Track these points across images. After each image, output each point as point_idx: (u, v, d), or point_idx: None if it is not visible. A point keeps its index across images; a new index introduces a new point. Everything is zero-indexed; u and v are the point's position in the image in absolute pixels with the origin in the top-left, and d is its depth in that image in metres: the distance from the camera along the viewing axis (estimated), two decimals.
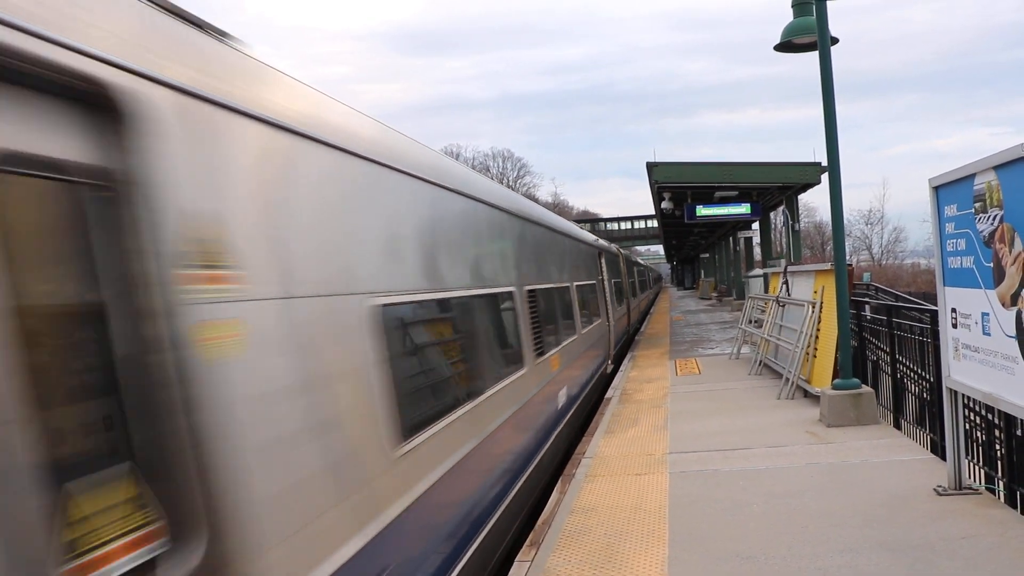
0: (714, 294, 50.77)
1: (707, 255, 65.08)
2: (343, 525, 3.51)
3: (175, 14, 3.07)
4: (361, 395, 3.93)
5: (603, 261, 18.34)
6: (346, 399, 3.76)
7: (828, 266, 12.36)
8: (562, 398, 10.46)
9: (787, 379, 12.82)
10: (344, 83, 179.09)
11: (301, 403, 3.33)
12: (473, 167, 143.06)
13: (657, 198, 29.30)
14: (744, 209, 26.86)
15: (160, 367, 2.57)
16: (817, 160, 23.28)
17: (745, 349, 18.29)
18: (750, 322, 18.43)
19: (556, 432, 9.72)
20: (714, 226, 40.14)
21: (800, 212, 26.66)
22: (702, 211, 27.24)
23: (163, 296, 2.58)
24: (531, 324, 8.87)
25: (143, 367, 2.54)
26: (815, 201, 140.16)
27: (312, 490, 3.29)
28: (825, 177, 16.83)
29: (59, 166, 2.35)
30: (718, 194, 26.53)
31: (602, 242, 20.55)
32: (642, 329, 29.38)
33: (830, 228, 11.89)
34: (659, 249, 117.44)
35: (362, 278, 4.12)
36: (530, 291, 9.16)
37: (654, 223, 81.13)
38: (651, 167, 25.43)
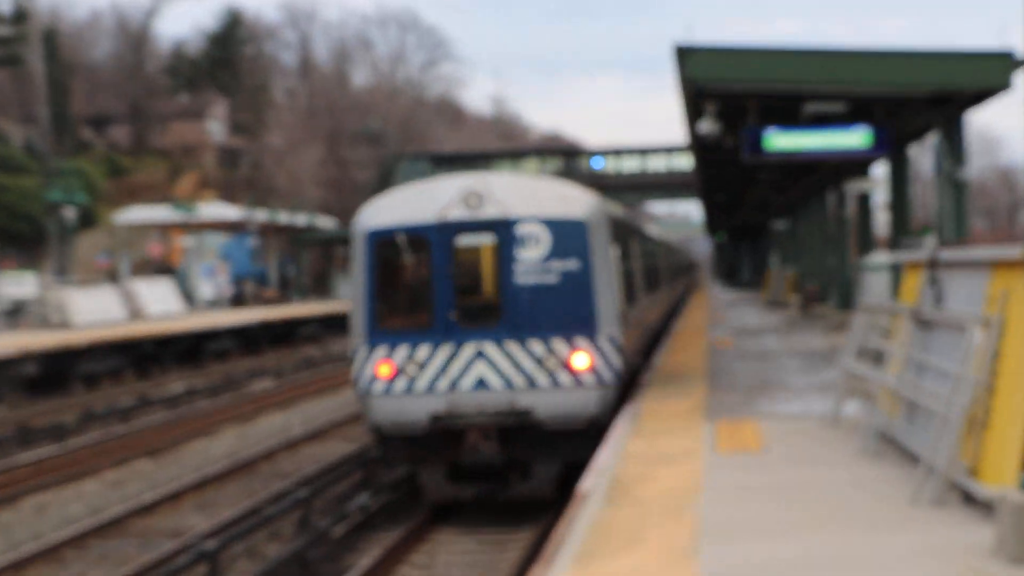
0: (795, 297, 34.59)
1: (783, 225, 45.04)
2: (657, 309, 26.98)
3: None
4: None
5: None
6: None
7: (1018, 253, 8.20)
8: (670, 287, 36.10)
9: (931, 467, 9.09)
10: None
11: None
12: (343, 37, 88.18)
13: (692, 114, 18.85)
14: (858, 139, 17.18)
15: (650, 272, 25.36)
16: (1006, 49, 14.78)
17: (852, 406, 13.19)
18: (863, 354, 13.10)
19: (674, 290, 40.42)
20: (799, 171, 26.10)
21: (969, 148, 17.55)
22: (777, 141, 17.17)
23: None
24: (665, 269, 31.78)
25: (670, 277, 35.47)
26: (999, 126, 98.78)
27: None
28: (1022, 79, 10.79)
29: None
30: (810, 108, 17.20)
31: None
32: (655, 361, 19.99)
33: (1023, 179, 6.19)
34: (692, 210, 73.71)
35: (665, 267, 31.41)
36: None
37: (682, 161, 51.95)
38: (683, 55, 15.96)
